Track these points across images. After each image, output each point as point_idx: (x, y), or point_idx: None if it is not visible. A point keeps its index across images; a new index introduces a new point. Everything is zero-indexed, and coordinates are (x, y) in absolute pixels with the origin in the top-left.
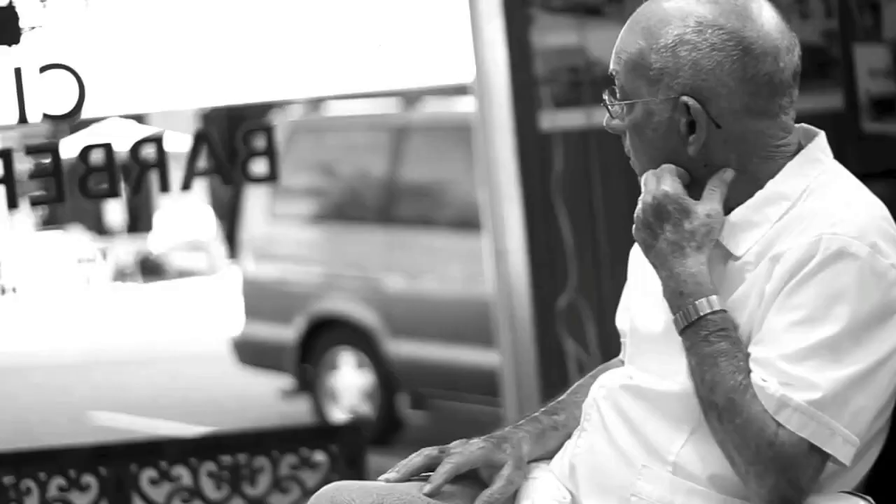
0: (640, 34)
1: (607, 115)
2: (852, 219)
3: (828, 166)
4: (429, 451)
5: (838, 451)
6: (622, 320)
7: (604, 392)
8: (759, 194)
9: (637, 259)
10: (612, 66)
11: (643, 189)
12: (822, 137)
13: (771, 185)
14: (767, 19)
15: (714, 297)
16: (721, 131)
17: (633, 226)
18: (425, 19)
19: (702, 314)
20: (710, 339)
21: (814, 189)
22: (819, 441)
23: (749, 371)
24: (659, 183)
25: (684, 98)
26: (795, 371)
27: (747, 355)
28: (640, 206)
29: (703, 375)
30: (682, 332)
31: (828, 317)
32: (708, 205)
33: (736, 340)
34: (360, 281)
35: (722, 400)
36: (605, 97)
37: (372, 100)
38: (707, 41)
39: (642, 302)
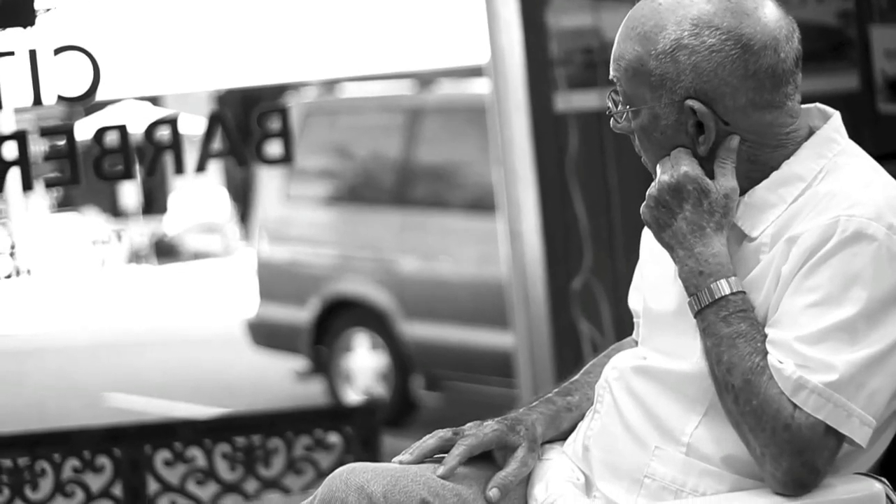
0: (637, 41)
1: (612, 119)
2: (869, 200)
3: (843, 147)
4: (443, 433)
5: (855, 432)
6: (635, 300)
7: (616, 374)
8: (774, 175)
9: (649, 239)
10: (611, 73)
11: (658, 171)
12: (836, 118)
13: (786, 167)
14: (763, 11)
15: (734, 278)
16: (729, 128)
17: (644, 204)
18: (440, 1)
19: (724, 294)
20: (729, 320)
21: (830, 170)
22: (835, 423)
23: (766, 353)
24: (676, 164)
25: (689, 102)
26: (812, 353)
27: (765, 337)
28: (656, 185)
29: (721, 356)
30: (699, 312)
31: (844, 299)
32: (725, 183)
33: (755, 322)
34: (374, 263)
35: (739, 381)
36: (609, 102)
37: (386, 82)
38: (705, 44)
39: (655, 282)
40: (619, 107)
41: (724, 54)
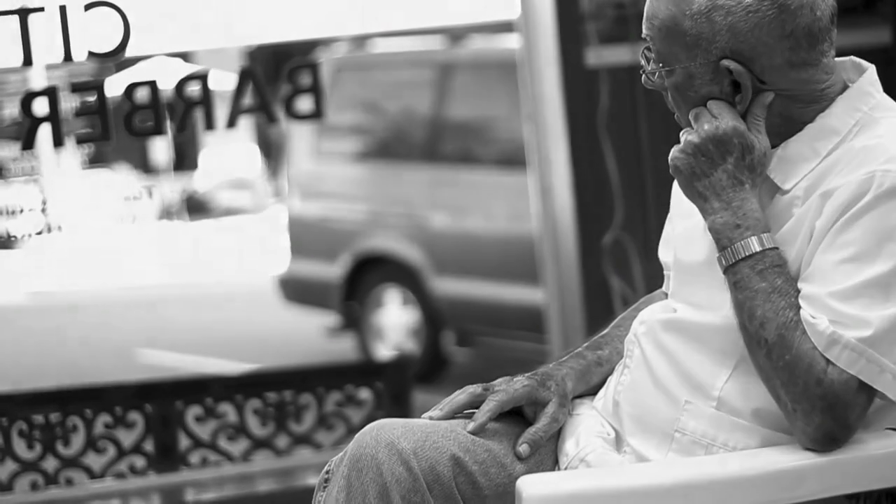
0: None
1: (645, 76)
2: None
3: (879, 101)
4: (473, 389)
5: (888, 387)
6: (665, 252)
7: (644, 328)
8: (808, 128)
9: (679, 191)
10: (644, 31)
11: (698, 120)
12: (871, 71)
13: (820, 120)
14: None
15: (769, 234)
16: (766, 86)
17: (679, 150)
18: None
19: (763, 248)
20: (765, 274)
21: (865, 124)
22: (868, 378)
23: (799, 308)
24: (721, 115)
25: (725, 62)
26: (845, 309)
27: (798, 292)
28: (699, 134)
29: (754, 311)
30: (733, 265)
31: (878, 254)
32: (763, 141)
33: (790, 277)
34: (405, 218)
35: (773, 336)
36: (642, 59)
37: (417, 37)
38: (741, 4)
39: (685, 234)
40: (652, 65)
41: (761, 14)
